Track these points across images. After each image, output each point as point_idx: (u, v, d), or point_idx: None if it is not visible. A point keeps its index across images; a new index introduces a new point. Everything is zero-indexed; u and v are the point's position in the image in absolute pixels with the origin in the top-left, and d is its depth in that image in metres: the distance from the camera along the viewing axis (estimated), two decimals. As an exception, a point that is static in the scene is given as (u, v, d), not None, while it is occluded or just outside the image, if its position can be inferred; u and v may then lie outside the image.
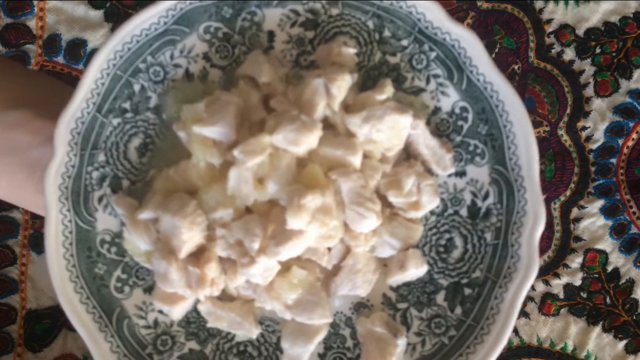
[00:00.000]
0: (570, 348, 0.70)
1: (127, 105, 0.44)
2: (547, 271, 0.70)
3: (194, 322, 0.44)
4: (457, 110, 0.45)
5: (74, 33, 0.72)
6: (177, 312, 0.43)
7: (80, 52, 0.73)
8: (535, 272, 0.42)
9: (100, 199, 0.44)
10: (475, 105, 0.44)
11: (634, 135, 0.71)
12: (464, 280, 0.44)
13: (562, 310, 0.70)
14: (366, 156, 0.43)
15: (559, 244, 0.70)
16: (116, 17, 0.73)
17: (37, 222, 0.69)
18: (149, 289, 0.44)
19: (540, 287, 0.70)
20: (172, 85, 0.45)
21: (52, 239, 0.42)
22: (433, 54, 0.44)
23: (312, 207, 0.40)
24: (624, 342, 0.70)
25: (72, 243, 0.43)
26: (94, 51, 0.72)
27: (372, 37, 0.45)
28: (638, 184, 0.71)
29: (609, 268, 0.71)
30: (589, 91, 0.71)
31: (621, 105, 0.71)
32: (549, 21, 0.71)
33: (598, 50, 0.71)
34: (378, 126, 0.42)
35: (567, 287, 0.70)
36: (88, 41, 0.73)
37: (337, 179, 0.42)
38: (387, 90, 0.43)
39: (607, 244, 0.71)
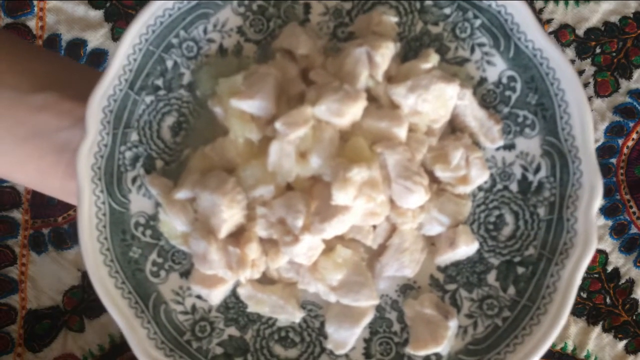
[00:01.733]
0: (570, 348, 0.69)
1: (159, 82, 0.42)
2: None
3: (233, 307, 0.42)
4: (504, 80, 0.43)
5: (74, 33, 0.71)
6: (216, 296, 0.41)
7: (80, 52, 0.72)
8: (594, 247, 0.40)
9: (134, 180, 0.42)
10: (523, 74, 0.42)
11: (634, 135, 0.71)
12: (517, 259, 0.42)
13: None
14: (411, 129, 0.41)
15: None
16: (116, 17, 0.73)
17: (37, 222, 0.69)
18: (186, 273, 0.42)
19: None
20: (205, 61, 0.43)
21: (86, 221, 0.40)
22: (478, 22, 0.42)
23: (358, 181, 0.38)
24: (624, 342, 0.70)
25: (105, 225, 0.41)
26: (94, 51, 0.71)
27: (412, 6, 0.43)
28: (638, 184, 0.71)
29: (609, 268, 0.71)
30: (589, 91, 0.72)
31: (621, 105, 0.71)
32: (549, 21, 0.72)
33: (598, 50, 0.72)
34: (424, 96, 0.40)
35: None
36: (88, 41, 0.72)
37: (382, 152, 0.40)
38: (433, 59, 0.41)
39: (607, 244, 0.71)
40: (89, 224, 0.41)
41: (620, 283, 0.70)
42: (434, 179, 0.42)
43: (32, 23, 0.71)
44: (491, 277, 0.42)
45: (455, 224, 0.42)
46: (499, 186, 0.43)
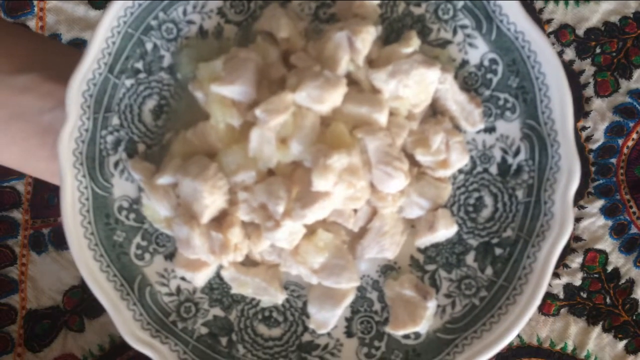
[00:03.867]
0: (570, 348, 0.70)
1: (139, 65, 0.42)
2: None
3: (217, 288, 0.43)
4: (486, 63, 0.43)
5: (74, 33, 0.70)
6: (200, 278, 0.42)
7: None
8: (569, 229, 0.41)
9: (116, 164, 0.42)
10: (505, 57, 0.42)
11: (634, 135, 0.71)
12: (495, 240, 0.43)
13: (562, 310, 0.70)
14: (392, 113, 0.41)
15: None
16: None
17: (37, 221, 0.69)
18: (170, 256, 0.43)
19: None
20: (185, 43, 0.42)
21: (69, 206, 0.41)
22: (460, 3, 0.42)
23: (338, 168, 0.38)
24: (624, 342, 0.71)
25: (89, 210, 0.41)
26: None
27: None
28: (638, 184, 0.71)
29: (609, 268, 0.71)
30: (589, 91, 0.71)
31: (621, 105, 0.71)
32: (549, 21, 0.71)
33: (598, 50, 0.71)
34: (405, 81, 0.40)
35: (567, 287, 0.70)
36: (88, 41, 0.71)
37: (362, 137, 0.40)
38: (413, 43, 0.41)
39: (607, 244, 0.71)
40: (72, 208, 0.41)
41: (620, 283, 0.71)
42: (414, 163, 0.42)
43: (32, 23, 0.70)
44: (470, 258, 0.43)
45: (435, 207, 0.43)
46: (479, 169, 0.44)
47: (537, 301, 0.41)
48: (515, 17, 0.41)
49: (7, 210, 0.68)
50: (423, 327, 0.42)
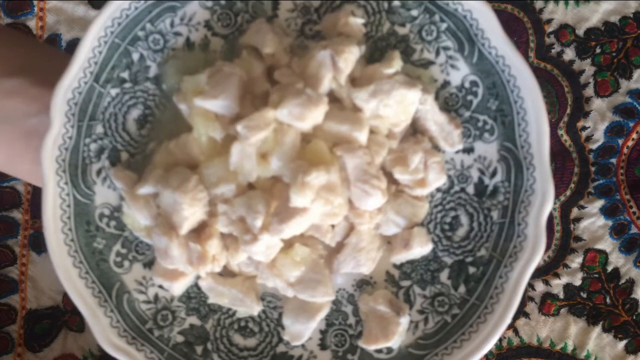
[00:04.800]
0: (570, 348, 0.71)
1: (125, 75, 0.43)
2: (547, 271, 0.71)
3: (194, 297, 0.44)
4: (466, 85, 0.43)
5: (74, 33, 0.70)
6: (178, 287, 0.43)
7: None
8: (541, 251, 0.42)
9: (98, 172, 0.43)
10: (485, 80, 0.43)
11: (634, 135, 0.71)
12: (469, 259, 0.44)
13: (562, 310, 0.71)
14: (372, 132, 0.42)
15: (559, 244, 0.71)
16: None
17: (37, 221, 0.69)
18: (149, 264, 0.44)
19: (540, 287, 0.70)
20: (172, 54, 0.43)
21: (50, 213, 0.41)
22: (444, 25, 0.43)
23: (316, 185, 0.39)
24: (624, 342, 0.71)
25: (70, 217, 0.42)
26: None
27: (380, 6, 0.43)
28: (638, 184, 0.71)
29: (609, 268, 0.71)
30: (589, 91, 0.71)
31: (621, 105, 0.71)
32: (549, 21, 0.71)
33: (598, 50, 0.71)
34: (385, 101, 0.41)
35: (567, 287, 0.71)
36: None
37: (342, 155, 0.40)
38: (396, 64, 0.42)
39: (607, 244, 0.71)
40: (54, 215, 0.41)
41: (620, 283, 0.71)
42: (392, 181, 0.43)
43: (32, 23, 0.69)
44: (444, 276, 0.44)
45: (411, 225, 0.43)
46: (456, 188, 0.44)
47: (508, 320, 0.42)
48: (497, 41, 0.42)
49: (7, 210, 0.68)
50: (395, 342, 0.43)
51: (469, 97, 0.44)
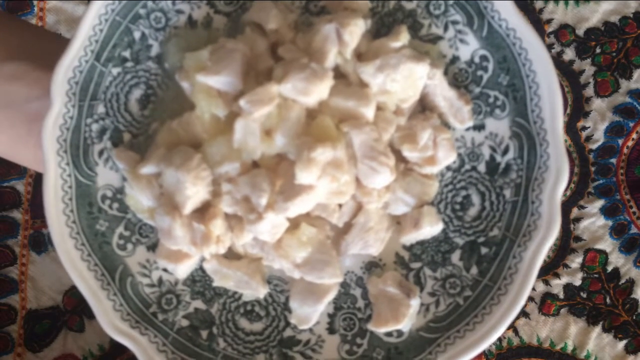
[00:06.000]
0: (570, 348, 0.70)
1: (127, 53, 0.42)
2: (547, 271, 0.71)
3: (199, 280, 0.43)
4: (476, 60, 0.42)
5: (74, 33, 0.70)
6: (182, 270, 0.42)
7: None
8: (556, 230, 0.40)
9: (100, 153, 0.42)
10: (496, 54, 0.42)
11: (634, 135, 0.71)
12: (481, 239, 0.42)
13: (562, 310, 0.70)
14: (379, 108, 0.41)
15: (559, 244, 0.71)
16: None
17: (37, 221, 0.69)
18: (153, 247, 0.43)
19: (540, 287, 0.70)
20: (174, 32, 0.42)
21: (51, 194, 0.40)
22: None
23: (322, 161, 0.37)
24: (624, 342, 0.71)
25: (72, 198, 0.41)
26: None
27: None
28: (638, 184, 0.71)
29: (609, 268, 0.71)
30: (589, 91, 0.71)
31: (621, 105, 0.71)
32: (549, 21, 0.71)
33: (598, 50, 0.71)
34: (392, 76, 0.40)
35: (567, 287, 0.70)
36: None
37: (348, 131, 0.39)
38: (403, 37, 0.41)
39: (607, 244, 0.71)
40: (55, 196, 0.41)
41: (620, 283, 0.70)
42: (401, 159, 0.42)
43: (32, 23, 0.69)
44: (455, 257, 0.43)
45: (420, 204, 0.42)
46: (467, 166, 0.43)
47: (522, 302, 0.40)
48: (507, 14, 0.41)
49: (7, 210, 0.68)
50: (406, 325, 0.42)
51: (479, 73, 0.42)
